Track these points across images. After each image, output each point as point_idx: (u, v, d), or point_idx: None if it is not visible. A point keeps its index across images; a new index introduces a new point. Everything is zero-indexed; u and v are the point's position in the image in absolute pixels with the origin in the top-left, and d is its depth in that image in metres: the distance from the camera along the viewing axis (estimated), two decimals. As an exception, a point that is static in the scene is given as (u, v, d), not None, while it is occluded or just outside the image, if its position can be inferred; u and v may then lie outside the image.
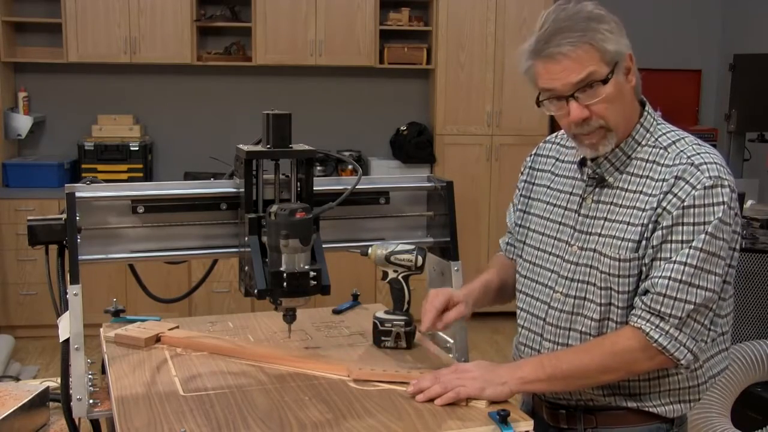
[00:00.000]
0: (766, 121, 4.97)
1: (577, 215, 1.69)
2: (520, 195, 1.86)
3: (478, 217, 5.59)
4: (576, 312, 1.66)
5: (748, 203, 4.17)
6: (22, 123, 5.38)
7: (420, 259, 1.86)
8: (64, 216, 1.70)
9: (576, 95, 1.55)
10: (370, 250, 1.87)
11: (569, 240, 1.69)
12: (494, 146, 5.57)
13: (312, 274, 1.66)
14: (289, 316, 1.75)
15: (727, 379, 3.19)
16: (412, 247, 1.87)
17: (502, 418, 1.48)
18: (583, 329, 1.65)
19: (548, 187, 1.78)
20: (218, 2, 5.54)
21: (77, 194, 1.71)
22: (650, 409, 1.64)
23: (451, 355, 1.92)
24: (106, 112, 5.54)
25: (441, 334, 1.97)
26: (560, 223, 1.72)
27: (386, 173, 5.53)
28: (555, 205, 1.75)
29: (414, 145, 5.65)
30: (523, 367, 1.63)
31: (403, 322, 1.87)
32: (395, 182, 2.02)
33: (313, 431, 1.46)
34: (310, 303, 1.74)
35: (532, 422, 1.52)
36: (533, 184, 1.84)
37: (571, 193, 1.72)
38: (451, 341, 1.95)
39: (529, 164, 1.87)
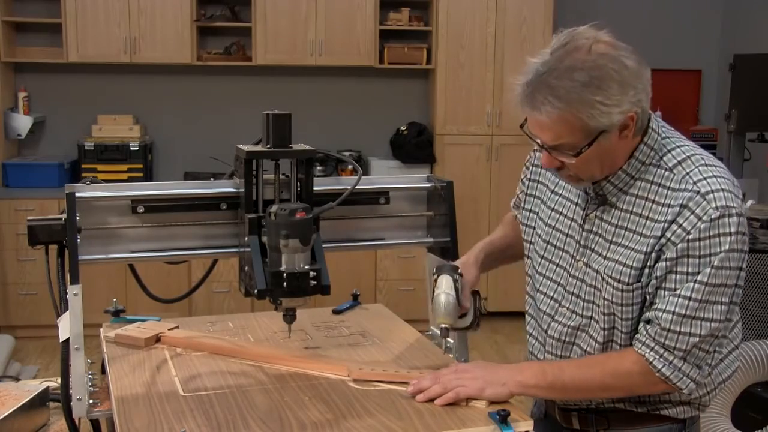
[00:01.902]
0: (766, 121, 4.97)
1: (581, 229, 1.65)
2: (526, 193, 1.82)
3: (478, 217, 5.59)
4: (582, 328, 1.65)
5: (748, 203, 4.16)
6: (22, 123, 5.39)
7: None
8: (64, 216, 1.70)
9: (548, 149, 1.53)
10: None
11: (574, 255, 1.66)
12: (494, 146, 5.58)
13: (312, 274, 1.66)
14: (289, 316, 1.75)
15: (727, 379, 3.19)
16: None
17: (502, 419, 1.48)
18: (588, 348, 1.64)
19: (553, 191, 1.74)
20: (218, 2, 5.54)
21: (77, 194, 1.71)
22: (662, 412, 1.64)
23: (451, 355, 1.92)
24: (106, 112, 5.54)
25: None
26: (566, 234, 1.68)
27: (386, 173, 5.53)
28: (559, 213, 1.71)
29: (414, 145, 5.65)
30: (524, 371, 1.62)
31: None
32: (395, 182, 2.02)
33: (313, 431, 1.46)
34: (310, 303, 1.74)
35: (531, 422, 1.52)
36: (537, 182, 1.80)
37: (576, 204, 1.68)
38: (452, 341, 1.95)
39: (534, 161, 1.82)
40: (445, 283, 1.66)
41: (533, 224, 1.78)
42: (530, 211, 1.80)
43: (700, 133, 5.87)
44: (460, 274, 1.72)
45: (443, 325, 1.68)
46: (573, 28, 1.51)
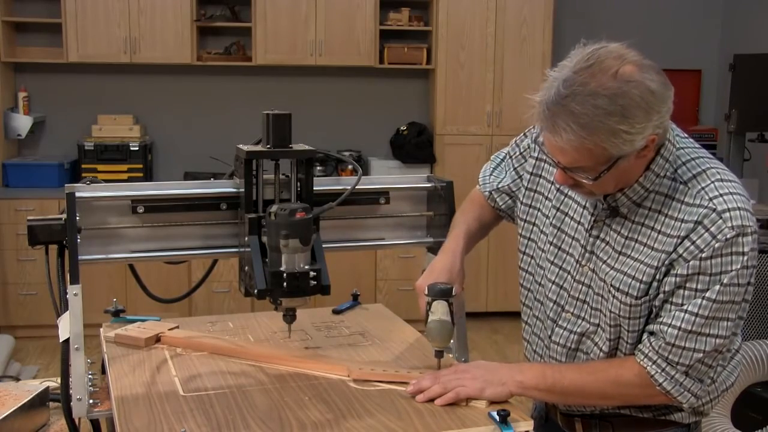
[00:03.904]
0: (766, 121, 4.96)
1: (587, 234, 1.62)
2: (526, 187, 1.76)
3: (478, 217, 5.57)
4: (588, 335, 1.64)
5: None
6: (22, 123, 5.39)
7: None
8: (64, 216, 1.70)
9: (564, 168, 1.49)
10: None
11: (580, 259, 1.63)
12: (494, 146, 5.57)
13: (312, 274, 1.66)
14: (289, 316, 1.75)
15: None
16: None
17: (502, 418, 1.48)
18: (592, 356, 1.63)
19: (558, 190, 1.70)
20: (218, 2, 5.54)
21: (77, 194, 1.71)
22: (667, 417, 1.64)
23: (451, 355, 1.92)
24: (106, 112, 5.55)
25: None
26: (571, 237, 1.65)
27: (386, 173, 5.54)
28: (565, 214, 1.67)
29: (414, 145, 5.65)
30: (525, 372, 1.62)
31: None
32: (395, 182, 2.02)
33: (313, 431, 1.46)
34: (310, 303, 1.74)
35: (531, 422, 1.52)
36: (540, 177, 1.75)
37: (584, 207, 1.64)
38: (451, 341, 1.95)
39: (536, 155, 1.76)
40: (441, 309, 1.66)
41: (533, 220, 1.75)
42: (530, 206, 1.76)
43: (700, 133, 5.87)
44: (454, 295, 1.69)
45: (437, 349, 1.70)
46: (600, 45, 1.44)
